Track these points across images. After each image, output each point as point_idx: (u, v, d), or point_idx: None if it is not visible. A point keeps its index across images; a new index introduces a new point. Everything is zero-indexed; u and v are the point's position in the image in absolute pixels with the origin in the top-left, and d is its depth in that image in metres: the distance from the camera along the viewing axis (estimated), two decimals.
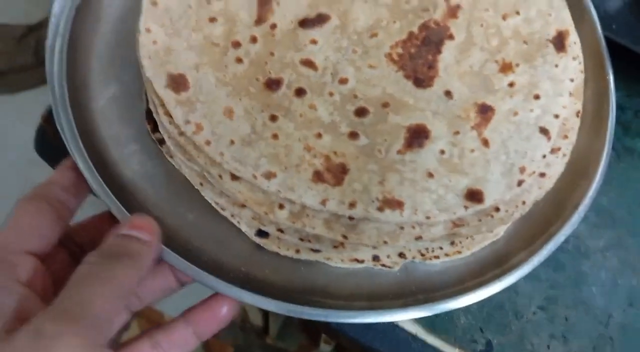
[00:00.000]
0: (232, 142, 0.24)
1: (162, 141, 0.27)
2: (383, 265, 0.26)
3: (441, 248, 0.27)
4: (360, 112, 0.26)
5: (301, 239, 0.25)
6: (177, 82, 0.25)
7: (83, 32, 0.28)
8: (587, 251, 0.31)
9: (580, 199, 0.27)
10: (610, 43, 0.31)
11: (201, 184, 0.26)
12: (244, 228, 0.26)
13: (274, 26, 0.27)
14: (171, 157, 0.26)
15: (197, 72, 0.26)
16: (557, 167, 0.27)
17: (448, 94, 0.27)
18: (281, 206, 0.24)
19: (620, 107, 0.33)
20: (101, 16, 0.29)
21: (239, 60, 0.26)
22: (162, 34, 0.26)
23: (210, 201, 0.26)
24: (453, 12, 0.29)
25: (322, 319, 0.23)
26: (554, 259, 0.29)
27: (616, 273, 0.31)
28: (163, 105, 0.25)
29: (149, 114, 0.27)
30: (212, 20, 0.27)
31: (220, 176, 0.24)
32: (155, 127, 0.26)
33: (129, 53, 0.27)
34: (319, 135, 0.25)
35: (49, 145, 0.31)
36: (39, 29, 0.93)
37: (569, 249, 0.31)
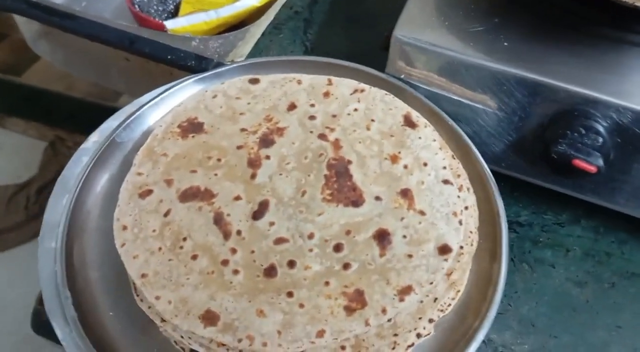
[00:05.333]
0: (278, 332, 0.30)
1: None
2: None
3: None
4: (337, 248, 0.34)
5: None
6: (209, 318, 0.31)
7: None
8: None
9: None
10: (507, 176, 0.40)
11: None
12: None
13: (239, 232, 0.35)
14: None
15: (216, 300, 0.32)
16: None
17: (378, 198, 0.36)
18: (343, 347, 0.31)
19: (528, 224, 0.42)
20: None
21: (236, 272, 0.33)
22: (169, 294, 0.32)
23: None
24: (337, 145, 0.39)
25: None
26: None
27: None
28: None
29: None
30: (194, 257, 0.34)
31: None
32: None
33: None
34: (327, 283, 0.32)
35: (46, 323, 0.32)
36: (27, 186, 0.96)
37: None
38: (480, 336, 0.32)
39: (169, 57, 0.60)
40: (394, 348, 0.30)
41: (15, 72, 1.33)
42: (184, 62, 0.60)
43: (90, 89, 1.20)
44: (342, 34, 0.60)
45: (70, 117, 1.24)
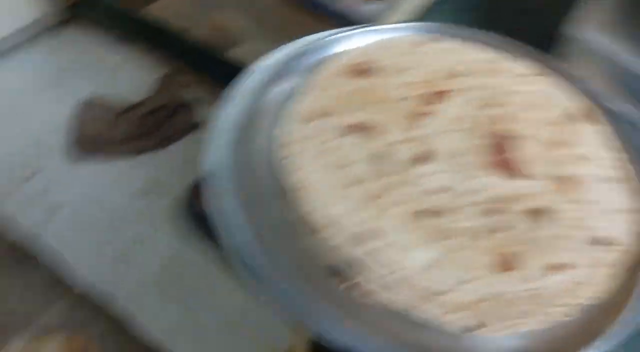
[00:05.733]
0: (426, 269, 0.31)
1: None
2: None
3: None
4: (491, 212, 0.34)
5: None
6: (360, 240, 0.32)
7: None
8: None
9: None
10: None
11: None
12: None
13: (396, 173, 0.36)
14: None
15: (371, 225, 0.33)
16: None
17: (538, 178, 0.36)
18: (481, 300, 0.31)
19: None
20: None
21: (391, 207, 0.34)
22: (324, 209, 0.34)
23: None
24: (502, 119, 0.39)
25: None
26: None
27: None
28: None
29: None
30: (352, 185, 0.35)
31: None
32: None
33: None
34: (478, 240, 0.33)
35: (198, 213, 0.34)
36: (137, 107, 1.10)
37: None
38: (615, 339, 0.32)
39: (330, 9, 0.62)
40: (533, 317, 0.31)
41: (141, 4, 1.39)
42: (340, 21, 0.63)
43: (209, 33, 1.24)
44: (504, 22, 0.60)
45: (184, 55, 1.30)
